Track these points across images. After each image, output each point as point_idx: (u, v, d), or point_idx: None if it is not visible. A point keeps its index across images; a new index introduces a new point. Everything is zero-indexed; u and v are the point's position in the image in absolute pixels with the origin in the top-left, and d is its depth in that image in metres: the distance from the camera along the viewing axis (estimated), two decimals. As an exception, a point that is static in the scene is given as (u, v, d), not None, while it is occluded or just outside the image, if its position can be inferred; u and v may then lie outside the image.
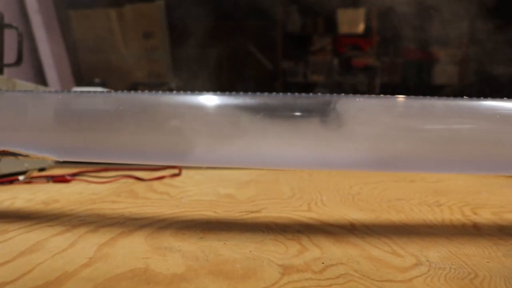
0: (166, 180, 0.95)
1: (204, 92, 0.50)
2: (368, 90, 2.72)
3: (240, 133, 0.48)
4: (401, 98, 0.49)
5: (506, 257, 0.42)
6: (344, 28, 2.86)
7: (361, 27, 2.84)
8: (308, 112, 0.48)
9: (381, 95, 0.49)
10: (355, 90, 2.57)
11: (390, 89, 2.66)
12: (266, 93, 0.50)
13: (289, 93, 0.50)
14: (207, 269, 0.37)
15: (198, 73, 2.34)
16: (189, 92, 0.50)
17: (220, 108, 0.49)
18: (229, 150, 0.48)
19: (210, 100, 0.49)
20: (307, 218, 0.57)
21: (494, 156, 0.49)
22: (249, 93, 0.50)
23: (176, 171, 1.09)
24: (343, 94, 0.49)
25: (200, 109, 0.49)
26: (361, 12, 2.85)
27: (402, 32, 2.50)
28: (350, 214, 0.60)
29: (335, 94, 0.49)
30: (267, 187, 0.85)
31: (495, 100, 0.50)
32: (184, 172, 1.09)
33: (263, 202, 0.68)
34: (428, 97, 0.50)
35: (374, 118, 0.48)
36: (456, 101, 0.50)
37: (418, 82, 2.72)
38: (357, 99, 0.49)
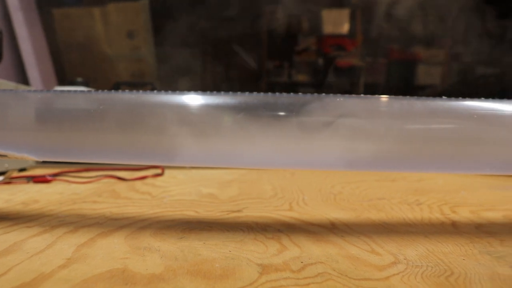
0: (149, 180, 0.95)
1: (185, 92, 0.50)
2: (352, 90, 2.74)
3: (220, 132, 0.48)
4: (380, 98, 0.50)
5: (481, 254, 0.43)
6: (328, 28, 2.87)
7: (345, 28, 2.86)
8: (288, 111, 0.48)
9: (362, 95, 0.50)
10: (340, 90, 2.59)
11: (374, 89, 2.68)
12: (247, 93, 0.50)
13: (270, 93, 0.50)
14: (186, 269, 0.37)
15: (182, 73, 2.33)
16: (170, 91, 0.50)
17: (200, 107, 0.49)
18: (209, 149, 0.48)
19: (190, 99, 0.49)
20: (288, 218, 0.57)
21: (471, 156, 0.49)
22: (230, 92, 0.50)
23: (159, 171, 1.09)
24: (323, 94, 0.50)
25: (180, 109, 0.49)
26: (345, 13, 2.87)
27: (387, 32, 2.52)
28: (331, 213, 0.60)
29: (315, 93, 0.49)
30: (249, 186, 0.85)
31: (473, 100, 0.51)
32: (167, 172, 1.09)
33: (245, 201, 0.68)
34: (408, 97, 0.50)
35: (354, 118, 0.48)
36: (434, 101, 0.50)
37: (402, 82, 2.74)
38: (338, 99, 0.49)
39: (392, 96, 0.50)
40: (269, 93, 0.50)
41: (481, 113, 0.51)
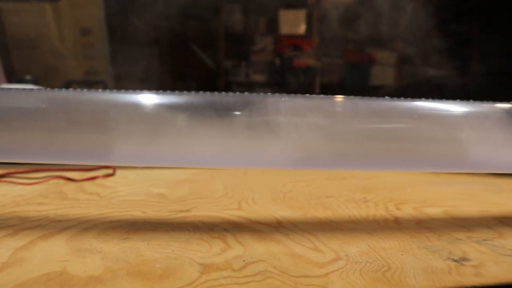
0: (99, 180, 0.93)
1: (131, 91, 0.50)
2: (308, 90, 2.77)
3: (166, 132, 0.47)
4: (325, 97, 0.51)
5: (419, 249, 0.44)
6: (285, 28, 2.90)
7: (302, 28, 2.89)
8: (234, 111, 0.48)
9: (307, 95, 0.51)
10: (296, 90, 2.62)
11: (329, 89, 2.72)
12: (193, 92, 0.50)
13: (216, 92, 0.50)
14: (126, 270, 0.36)
15: (137, 72, 2.29)
16: (115, 90, 0.49)
17: (146, 106, 0.48)
18: (153, 149, 0.48)
19: (136, 98, 0.48)
20: (235, 217, 0.57)
21: (411, 154, 0.51)
22: (176, 91, 0.50)
23: (110, 171, 1.07)
24: (269, 93, 0.50)
25: (125, 108, 0.48)
26: (302, 13, 2.90)
27: (342, 33, 2.57)
28: (279, 211, 0.61)
29: (261, 93, 0.50)
30: (200, 186, 0.85)
31: (414, 101, 0.53)
32: (119, 172, 1.07)
33: (194, 201, 0.68)
34: (352, 96, 0.52)
35: (299, 117, 0.49)
36: (377, 101, 0.52)
37: (357, 83, 2.80)
38: (283, 99, 0.50)
39: (336, 96, 0.51)
40: (215, 93, 0.50)
41: (421, 113, 0.52)
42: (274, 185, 0.84)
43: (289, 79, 2.84)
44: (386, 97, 0.53)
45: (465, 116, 0.53)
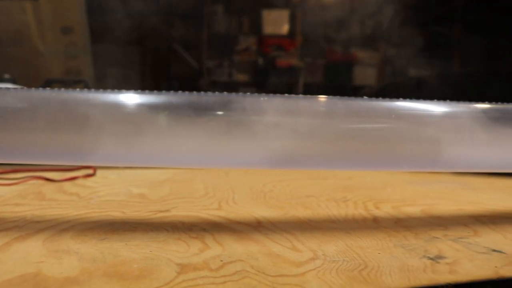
0: (79, 181, 0.92)
1: (109, 90, 0.49)
2: (291, 90, 2.78)
3: (144, 131, 0.47)
4: (303, 97, 0.51)
5: (396, 247, 0.45)
6: (268, 28, 2.90)
7: (285, 28, 2.90)
8: (213, 110, 0.48)
9: (286, 95, 0.51)
10: (279, 90, 2.62)
11: (312, 89, 2.74)
12: (171, 91, 0.50)
13: (195, 92, 0.50)
14: (103, 271, 0.36)
15: (120, 71, 2.28)
16: (93, 90, 0.49)
17: (125, 106, 0.48)
18: (132, 149, 0.47)
19: (115, 98, 0.48)
20: (215, 217, 0.57)
21: (388, 154, 0.52)
22: (155, 91, 0.50)
23: (90, 171, 1.06)
24: (248, 93, 0.50)
25: (103, 107, 0.48)
26: (285, 13, 2.91)
27: (325, 34, 2.58)
28: (259, 211, 0.61)
29: (240, 93, 0.50)
30: (181, 186, 0.85)
31: (392, 101, 0.53)
32: (99, 172, 1.06)
33: (175, 201, 0.67)
34: (331, 96, 0.52)
35: (278, 117, 0.49)
36: (356, 101, 0.52)
37: (340, 83, 2.82)
38: (261, 98, 0.50)
39: (315, 96, 0.52)
40: (194, 92, 0.50)
41: (399, 113, 0.53)
42: (255, 185, 0.84)
43: (272, 79, 2.84)
44: (365, 97, 0.54)
45: (442, 116, 0.53)
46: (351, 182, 0.93)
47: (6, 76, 1.45)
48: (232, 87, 2.78)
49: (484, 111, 0.55)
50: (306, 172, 1.04)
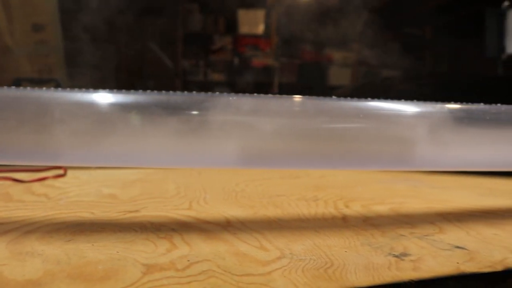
0: (49, 181, 0.90)
1: (77, 89, 0.49)
2: (267, 89, 2.79)
3: (114, 131, 0.46)
4: (272, 97, 0.51)
5: (363, 245, 0.45)
6: (244, 28, 2.90)
7: (261, 28, 2.90)
8: (183, 110, 0.48)
9: (255, 94, 0.51)
10: (254, 90, 2.63)
11: (287, 89, 2.75)
12: (140, 91, 0.49)
13: (163, 91, 0.50)
14: (66, 273, 0.35)
15: (92, 70, 2.24)
16: (60, 89, 0.48)
17: (92, 105, 0.47)
18: (101, 148, 0.47)
19: (85, 97, 0.48)
20: (185, 216, 0.57)
21: (360, 153, 0.52)
22: (123, 90, 0.49)
23: (61, 171, 1.04)
24: (217, 92, 0.50)
25: (73, 107, 0.47)
26: (261, 13, 2.91)
27: (300, 34, 2.60)
28: (229, 211, 0.61)
29: (210, 92, 0.50)
30: (152, 186, 0.84)
31: (360, 101, 0.54)
32: (70, 172, 1.04)
33: (145, 201, 0.67)
34: (301, 96, 0.52)
35: (248, 117, 0.49)
36: (324, 101, 0.53)
37: (314, 83, 2.84)
38: (231, 98, 0.50)
39: (285, 96, 0.52)
40: (163, 91, 0.49)
41: (369, 113, 0.54)
42: (227, 184, 0.84)
43: (247, 78, 2.84)
44: (334, 97, 0.54)
45: (409, 116, 0.54)
46: (323, 181, 0.94)
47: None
48: (207, 86, 2.76)
49: (451, 111, 0.56)
50: (279, 171, 1.05)
